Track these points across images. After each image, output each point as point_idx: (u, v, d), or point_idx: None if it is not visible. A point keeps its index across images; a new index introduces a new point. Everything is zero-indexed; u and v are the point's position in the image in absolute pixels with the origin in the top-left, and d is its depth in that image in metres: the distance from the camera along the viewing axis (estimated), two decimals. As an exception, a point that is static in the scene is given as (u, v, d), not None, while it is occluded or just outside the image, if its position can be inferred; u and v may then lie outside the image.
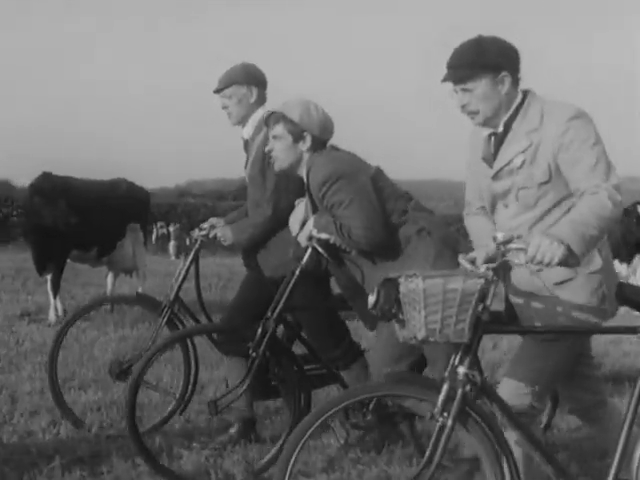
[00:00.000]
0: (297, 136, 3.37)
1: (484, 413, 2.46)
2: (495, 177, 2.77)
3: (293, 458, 2.37)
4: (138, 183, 8.97)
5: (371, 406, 3.58)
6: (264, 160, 3.72)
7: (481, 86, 2.68)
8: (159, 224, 19.44)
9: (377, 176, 3.34)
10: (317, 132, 3.38)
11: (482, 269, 2.43)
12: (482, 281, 2.39)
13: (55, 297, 7.93)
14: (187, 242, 4.75)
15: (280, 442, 3.64)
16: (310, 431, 2.39)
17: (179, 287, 4.19)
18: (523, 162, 2.68)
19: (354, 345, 3.93)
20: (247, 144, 4.05)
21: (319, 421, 2.40)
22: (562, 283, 2.68)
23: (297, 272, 3.53)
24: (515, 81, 2.72)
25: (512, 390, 2.72)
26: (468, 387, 2.39)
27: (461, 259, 2.62)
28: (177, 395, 4.35)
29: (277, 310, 3.55)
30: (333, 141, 3.50)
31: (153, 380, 4.87)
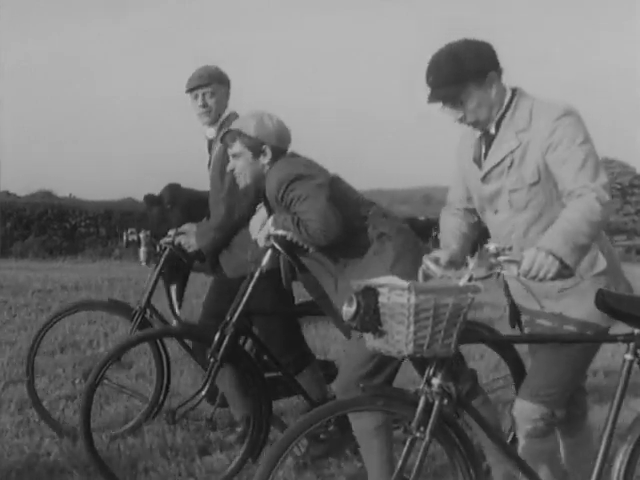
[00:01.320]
0: (256, 150, 3.34)
1: (459, 427, 2.44)
2: (484, 179, 2.73)
3: (272, 474, 2.29)
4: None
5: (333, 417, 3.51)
6: (224, 161, 3.66)
7: (471, 97, 2.61)
8: (129, 230, 19.47)
9: (335, 182, 3.33)
10: (275, 142, 3.35)
11: (473, 282, 2.37)
12: (473, 295, 2.34)
13: (180, 307, 8.01)
14: (157, 249, 4.83)
15: (241, 452, 3.59)
16: (290, 447, 2.32)
17: (150, 293, 4.26)
18: (512, 162, 2.64)
19: (306, 350, 3.91)
20: (211, 144, 4.03)
21: (299, 438, 2.34)
22: (568, 289, 2.65)
23: (256, 274, 3.49)
24: (499, 76, 2.66)
25: (532, 401, 2.73)
26: (445, 400, 2.36)
27: (425, 259, 2.63)
28: (150, 399, 4.38)
29: (236, 314, 3.49)
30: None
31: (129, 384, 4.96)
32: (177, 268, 7.90)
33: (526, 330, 2.86)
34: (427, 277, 2.62)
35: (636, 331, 2.55)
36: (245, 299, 3.50)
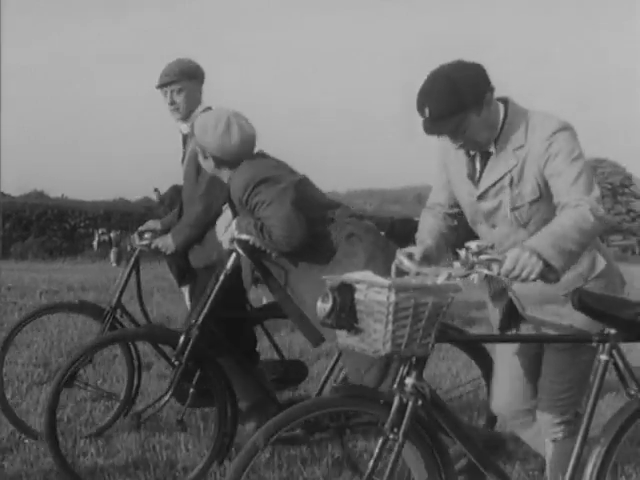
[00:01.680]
0: (204, 155, 3.37)
1: (432, 429, 2.40)
2: (481, 197, 2.68)
3: (244, 475, 2.22)
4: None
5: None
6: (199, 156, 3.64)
7: (472, 125, 2.53)
8: (100, 230, 19.03)
9: (302, 184, 3.28)
10: (215, 152, 3.30)
11: (454, 280, 2.31)
12: (453, 295, 2.30)
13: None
14: (128, 248, 4.77)
15: (207, 455, 3.58)
16: (263, 448, 2.25)
17: (120, 294, 4.23)
18: (511, 181, 2.60)
19: (253, 353, 3.90)
20: (185, 139, 4.01)
21: (272, 439, 2.26)
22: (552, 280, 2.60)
23: (221, 277, 3.45)
24: (493, 94, 2.58)
25: (553, 408, 2.76)
26: (420, 401, 2.31)
27: (399, 254, 2.57)
28: (121, 398, 4.37)
29: (201, 317, 3.46)
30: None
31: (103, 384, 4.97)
32: (188, 269, 8.05)
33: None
34: (400, 272, 2.55)
35: (611, 331, 2.55)
36: (210, 301, 3.48)
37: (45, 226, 20.59)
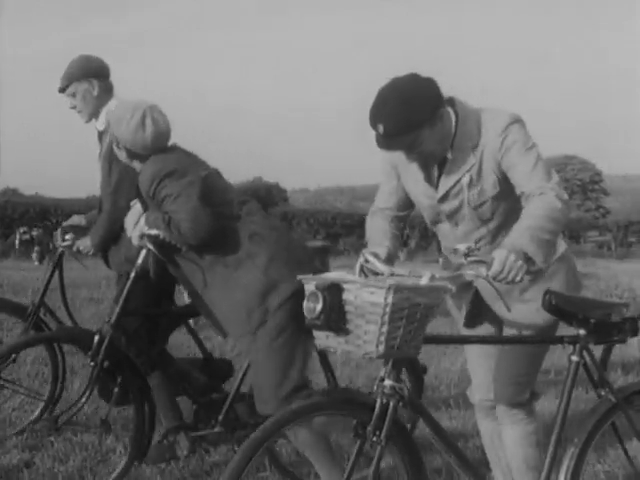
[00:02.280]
0: (117, 145, 3.35)
1: (406, 430, 2.41)
2: (442, 199, 2.68)
3: None
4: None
5: (220, 418, 3.50)
6: (112, 153, 3.56)
7: (427, 140, 2.52)
8: (22, 229, 18.33)
9: (210, 177, 3.25)
10: (129, 146, 3.28)
11: (442, 282, 2.29)
12: (445, 295, 2.28)
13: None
14: (50, 246, 4.66)
15: (126, 455, 3.56)
16: (255, 456, 2.17)
17: (43, 293, 4.21)
18: (470, 180, 2.62)
19: (163, 353, 3.85)
20: (101, 136, 3.96)
21: (260, 450, 2.19)
22: (534, 277, 2.66)
23: (132, 275, 3.43)
24: (445, 108, 2.58)
25: (508, 390, 2.80)
26: (400, 403, 2.29)
27: (366, 254, 2.53)
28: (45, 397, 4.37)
29: (114, 316, 3.43)
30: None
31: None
32: None
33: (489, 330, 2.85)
34: (365, 273, 2.51)
35: (581, 332, 2.57)
36: (122, 300, 3.46)
37: (28, 224, 20.55)
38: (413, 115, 2.46)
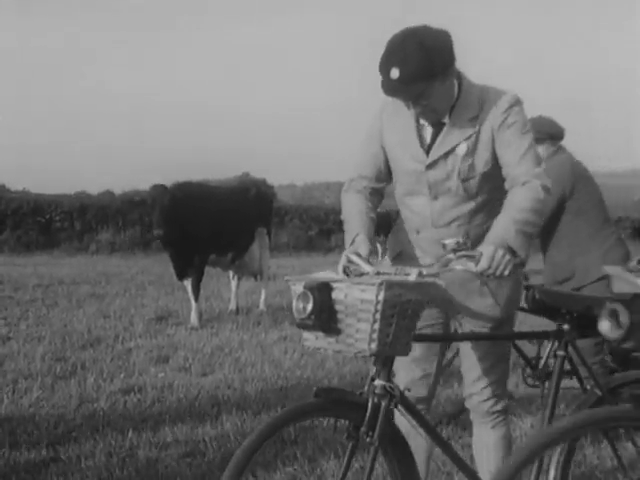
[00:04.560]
0: None
1: (396, 429, 2.38)
2: (430, 166, 2.63)
3: None
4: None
5: None
6: None
7: (435, 93, 2.50)
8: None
9: None
10: None
11: (429, 277, 2.26)
12: (435, 292, 2.27)
13: (197, 301, 8.17)
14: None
15: None
16: (248, 463, 2.14)
17: None
18: (467, 149, 2.59)
19: None
20: None
21: (258, 452, 2.17)
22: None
23: None
24: (455, 73, 2.59)
25: (479, 394, 2.76)
26: (392, 402, 2.28)
27: (350, 255, 2.47)
28: None
29: None
30: None
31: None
32: (191, 263, 8.19)
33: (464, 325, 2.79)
34: (348, 274, 2.45)
35: (565, 327, 2.59)
36: None
37: (21, 220, 20.47)
38: (430, 63, 2.43)
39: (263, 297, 9.12)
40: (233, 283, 9.15)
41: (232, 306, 8.90)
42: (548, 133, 4.41)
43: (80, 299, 9.71)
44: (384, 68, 2.45)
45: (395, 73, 2.41)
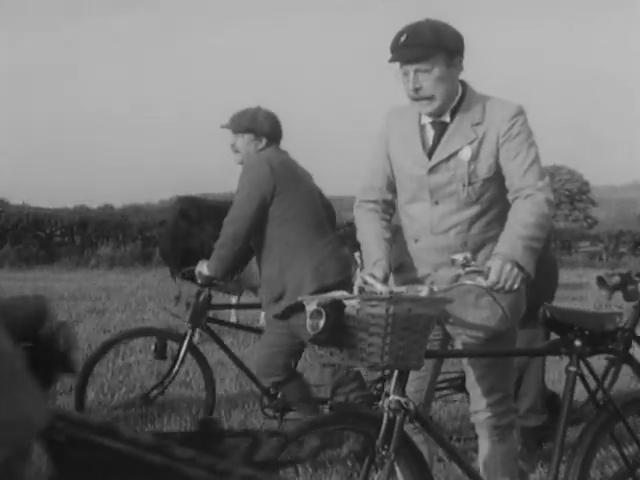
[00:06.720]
0: None
1: (411, 443, 2.42)
2: (432, 170, 2.63)
3: None
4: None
5: None
6: None
7: (438, 67, 2.53)
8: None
9: None
10: None
11: (440, 293, 2.31)
12: (444, 306, 2.31)
13: None
14: None
15: None
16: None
17: None
18: (471, 154, 2.59)
19: None
20: None
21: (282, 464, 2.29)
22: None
23: None
24: (461, 69, 2.65)
25: (492, 403, 2.75)
26: (407, 417, 2.32)
27: (364, 276, 2.49)
28: None
29: None
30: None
31: None
32: (184, 261, 8.15)
33: (461, 338, 2.78)
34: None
35: (577, 343, 2.59)
36: None
37: (21, 234, 20.51)
38: (437, 36, 2.54)
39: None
40: (233, 298, 9.15)
41: (232, 320, 8.87)
42: (247, 128, 3.88)
43: (80, 314, 9.69)
44: (395, 37, 2.57)
45: (403, 37, 2.54)
